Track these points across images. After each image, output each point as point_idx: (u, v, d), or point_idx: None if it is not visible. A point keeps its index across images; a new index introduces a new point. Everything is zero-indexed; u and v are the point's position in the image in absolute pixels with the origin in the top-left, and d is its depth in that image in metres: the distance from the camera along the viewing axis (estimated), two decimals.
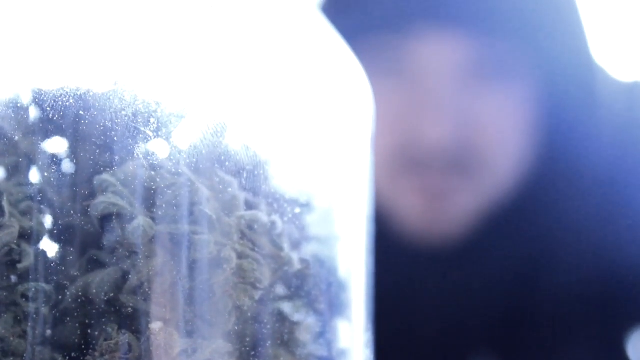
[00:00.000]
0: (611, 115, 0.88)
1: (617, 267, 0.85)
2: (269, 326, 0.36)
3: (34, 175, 0.35)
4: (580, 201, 0.86)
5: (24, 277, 0.33)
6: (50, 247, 0.34)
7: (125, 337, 0.33)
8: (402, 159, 0.81)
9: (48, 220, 0.35)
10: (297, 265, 0.37)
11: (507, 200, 0.84)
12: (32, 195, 0.35)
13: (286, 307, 0.37)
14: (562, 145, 0.85)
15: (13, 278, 0.34)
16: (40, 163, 0.35)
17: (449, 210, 0.83)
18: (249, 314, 0.35)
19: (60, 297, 0.33)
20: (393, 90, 0.82)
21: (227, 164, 0.36)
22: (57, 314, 0.33)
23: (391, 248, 0.82)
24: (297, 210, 0.38)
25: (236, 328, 0.35)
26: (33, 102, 0.36)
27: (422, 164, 0.81)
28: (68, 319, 0.33)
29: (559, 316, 0.86)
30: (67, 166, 0.35)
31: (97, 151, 0.35)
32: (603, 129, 0.87)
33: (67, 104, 0.35)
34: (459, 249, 0.85)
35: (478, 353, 0.85)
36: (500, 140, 0.83)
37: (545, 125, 0.84)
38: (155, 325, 0.33)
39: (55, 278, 0.34)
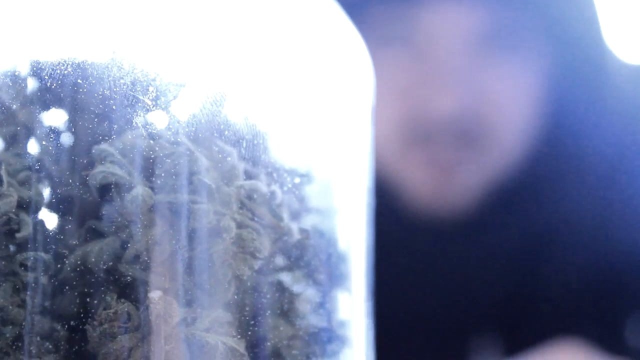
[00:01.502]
0: (618, 95, 0.88)
1: (620, 246, 0.85)
2: (268, 296, 0.36)
3: (32, 145, 0.35)
4: (584, 179, 0.86)
5: (22, 246, 0.33)
6: (48, 217, 0.34)
7: (124, 306, 0.33)
8: (408, 131, 0.81)
9: (46, 190, 0.34)
10: (296, 235, 0.37)
11: (512, 175, 0.83)
12: (31, 165, 0.34)
13: (285, 277, 0.37)
14: (568, 121, 0.84)
15: (12, 247, 0.34)
16: (38, 133, 0.35)
17: (454, 184, 0.83)
18: (249, 284, 0.35)
19: (58, 266, 0.33)
20: (401, 60, 0.81)
21: (226, 133, 0.36)
22: (56, 284, 0.33)
23: (394, 220, 0.82)
24: (297, 180, 0.38)
25: (236, 297, 0.35)
26: (31, 72, 0.35)
27: (428, 136, 0.80)
28: (67, 288, 0.33)
29: (561, 293, 0.86)
30: (65, 136, 0.35)
31: (96, 120, 0.35)
32: (609, 107, 0.87)
33: (65, 73, 0.35)
34: (463, 222, 0.84)
35: (478, 328, 0.85)
36: (507, 113, 0.82)
37: (552, 100, 0.83)
38: (154, 295, 0.33)
39: (53, 247, 0.34)
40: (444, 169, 0.82)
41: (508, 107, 0.82)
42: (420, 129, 0.80)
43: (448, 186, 0.83)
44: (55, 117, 0.35)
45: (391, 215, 0.83)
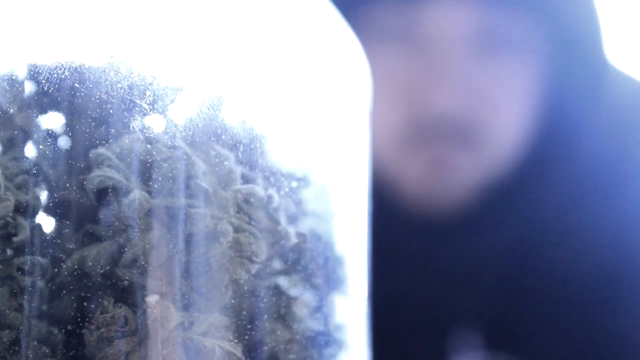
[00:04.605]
0: (614, 104, 0.88)
1: (613, 247, 0.85)
2: (265, 300, 0.36)
3: (30, 149, 0.35)
4: (580, 181, 0.86)
5: (19, 250, 0.33)
6: (46, 221, 0.34)
7: (121, 310, 0.33)
8: (404, 129, 0.81)
9: (44, 194, 0.34)
10: (293, 239, 0.37)
11: (506, 175, 0.83)
12: (28, 168, 0.34)
13: (283, 281, 0.37)
14: (564, 123, 0.85)
15: (9, 251, 0.34)
16: (35, 137, 0.35)
17: (452, 184, 0.83)
18: (246, 288, 0.35)
19: (56, 270, 0.33)
20: (399, 57, 0.81)
21: (223, 137, 0.36)
22: (53, 287, 0.33)
23: (392, 223, 0.82)
24: (294, 184, 0.38)
25: (232, 302, 0.35)
26: (28, 76, 0.35)
27: (424, 134, 0.80)
28: (64, 292, 0.33)
29: (552, 294, 0.86)
30: (63, 140, 0.35)
31: (93, 125, 0.35)
32: (605, 114, 0.87)
33: (63, 77, 0.35)
34: (462, 223, 0.84)
35: (477, 329, 0.85)
36: (504, 113, 0.82)
37: (549, 103, 0.83)
38: (152, 299, 0.33)
39: (51, 251, 0.34)
40: (442, 169, 0.82)
41: (507, 107, 0.82)
42: (422, 126, 0.80)
43: (446, 186, 0.83)
44: (52, 121, 0.35)
45: (389, 217, 0.83)
